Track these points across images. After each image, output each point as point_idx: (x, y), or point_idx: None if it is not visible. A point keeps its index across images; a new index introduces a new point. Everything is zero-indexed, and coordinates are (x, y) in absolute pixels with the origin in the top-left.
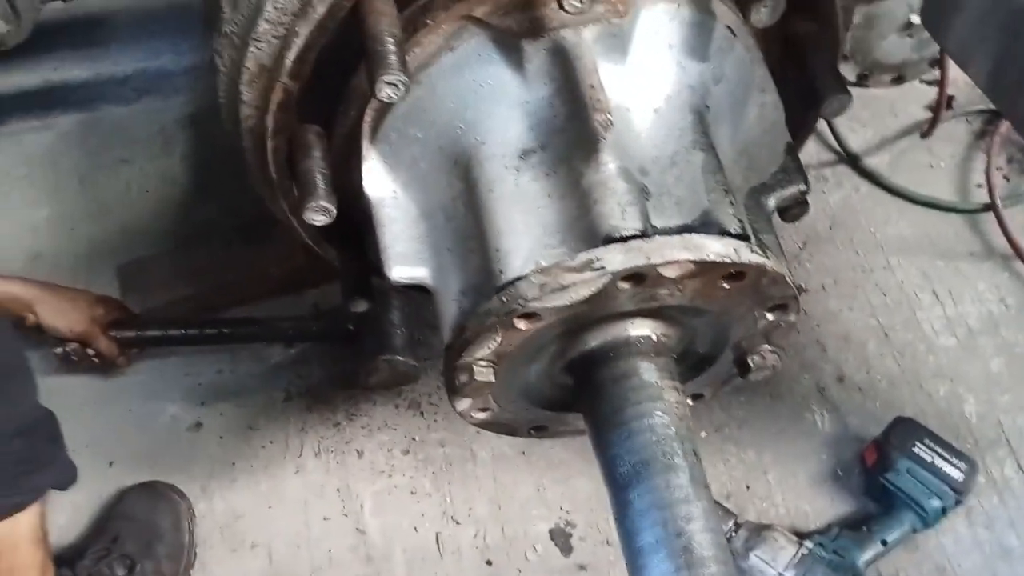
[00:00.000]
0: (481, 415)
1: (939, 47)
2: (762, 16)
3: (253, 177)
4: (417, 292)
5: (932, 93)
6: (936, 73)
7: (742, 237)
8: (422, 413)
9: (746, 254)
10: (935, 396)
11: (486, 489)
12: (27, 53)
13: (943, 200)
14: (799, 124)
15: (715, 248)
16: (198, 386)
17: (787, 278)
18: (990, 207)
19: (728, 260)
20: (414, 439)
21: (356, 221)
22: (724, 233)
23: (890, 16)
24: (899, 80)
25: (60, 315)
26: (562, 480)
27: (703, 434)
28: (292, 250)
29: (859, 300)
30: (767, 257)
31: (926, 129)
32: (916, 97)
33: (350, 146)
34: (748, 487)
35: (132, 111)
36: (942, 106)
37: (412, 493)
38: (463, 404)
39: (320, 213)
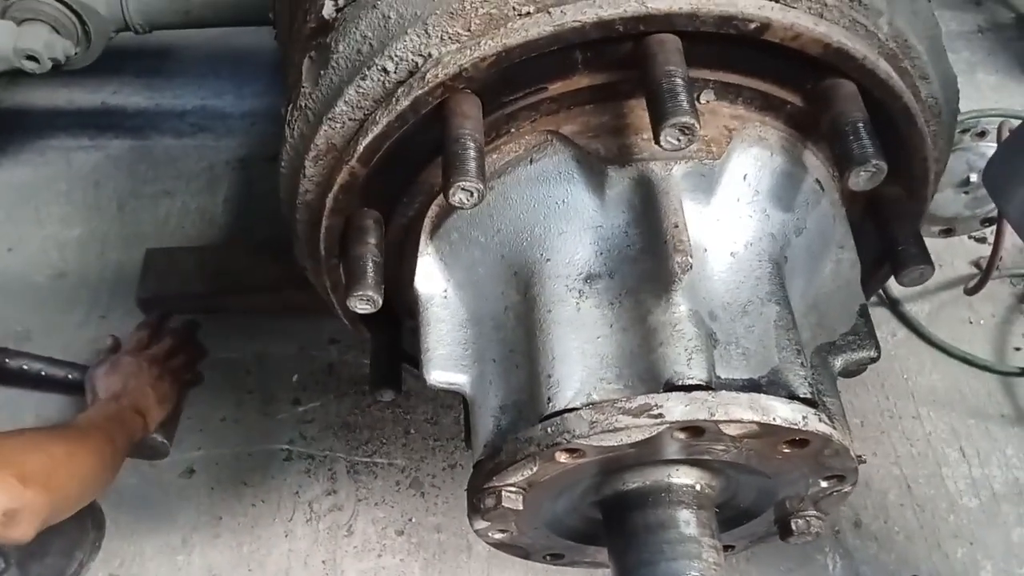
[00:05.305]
0: (498, 536)
1: (996, 208)
2: (860, 181)
3: (299, 249)
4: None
5: (978, 249)
6: (985, 231)
7: (811, 403)
8: (423, 494)
9: (814, 423)
10: (952, 557)
11: None
12: (90, 73)
13: (979, 358)
14: (866, 282)
15: (783, 412)
16: (199, 431)
17: (851, 451)
18: None
19: (795, 427)
20: (410, 520)
21: (396, 308)
22: (792, 396)
23: (949, 171)
24: (948, 233)
25: None
26: None
27: None
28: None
29: (884, 446)
30: (834, 427)
31: (973, 285)
32: (963, 251)
33: (407, 236)
34: None
35: (184, 145)
36: (993, 265)
37: None
38: (482, 524)
39: (365, 303)
